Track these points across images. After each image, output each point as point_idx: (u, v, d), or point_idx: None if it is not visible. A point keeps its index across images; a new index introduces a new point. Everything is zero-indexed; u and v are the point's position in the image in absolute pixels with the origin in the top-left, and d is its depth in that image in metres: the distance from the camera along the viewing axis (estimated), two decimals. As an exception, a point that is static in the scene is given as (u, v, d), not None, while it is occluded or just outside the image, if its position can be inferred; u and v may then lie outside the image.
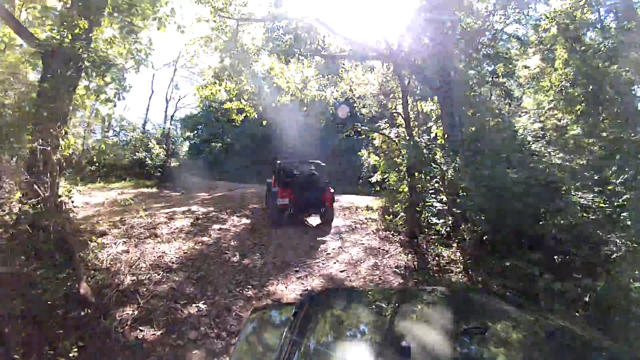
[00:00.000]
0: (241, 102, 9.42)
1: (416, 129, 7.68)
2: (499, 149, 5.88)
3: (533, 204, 5.01)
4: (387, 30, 7.46)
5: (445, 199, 6.31)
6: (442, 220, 6.18)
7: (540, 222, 4.80)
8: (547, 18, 8.86)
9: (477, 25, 7.83)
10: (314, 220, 8.31)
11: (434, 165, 6.30)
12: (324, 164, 8.78)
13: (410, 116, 7.32)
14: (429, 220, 6.40)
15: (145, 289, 4.02)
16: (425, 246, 6.18)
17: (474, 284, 4.79)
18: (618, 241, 4.19)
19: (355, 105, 11.77)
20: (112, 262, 4.59)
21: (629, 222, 4.29)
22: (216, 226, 7.20)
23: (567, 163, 5.58)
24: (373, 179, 8.70)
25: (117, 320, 3.30)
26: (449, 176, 5.93)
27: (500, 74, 8.50)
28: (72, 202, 4.24)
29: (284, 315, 1.85)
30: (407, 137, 6.85)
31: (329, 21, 8.44)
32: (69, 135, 5.32)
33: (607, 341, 1.55)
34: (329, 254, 6.04)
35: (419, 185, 6.76)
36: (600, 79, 7.26)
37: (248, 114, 9.62)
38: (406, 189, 6.97)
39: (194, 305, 3.83)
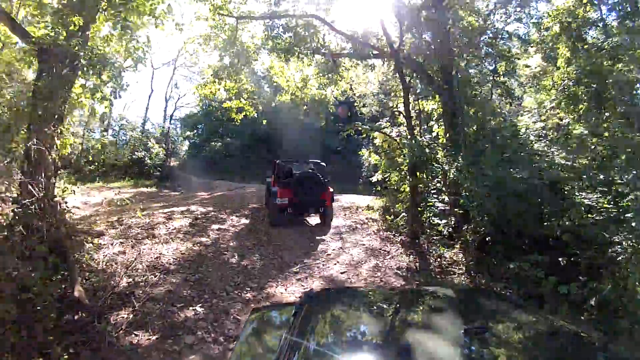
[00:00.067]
0: (241, 101, 9.34)
1: (418, 128, 7.59)
2: (502, 148, 5.81)
3: (537, 205, 4.94)
4: (388, 28, 7.37)
5: (447, 199, 6.23)
6: (444, 221, 6.10)
7: (545, 223, 4.73)
8: (550, 16, 8.78)
9: (478, 23, 7.75)
10: (314, 220, 8.25)
11: (436, 165, 6.21)
12: (324, 164, 8.71)
13: (412, 115, 7.23)
14: (431, 221, 6.33)
15: (141, 292, 3.93)
16: (427, 247, 6.10)
17: (477, 286, 4.71)
18: (624, 243, 4.12)
19: (355, 104, 11.69)
20: (108, 264, 4.50)
21: (633, 224, 4.20)
22: (215, 226, 7.12)
23: (570, 163, 5.49)
24: (374, 179, 8.62)
25: (112, 325, 3.21)
26: (451, 176, 5.85)
27: (501, 73, 8.42)
28: (66, 202, 4.14)
29: (283, 316, 1.85)
30: (409, 136, 6.76)
31: (329, 19, 8.37)
32: (65, 134, 5.24)
33: (608, 342, 1.55)
34: (329, 254, 5.96)
35: (421, 185, 6.69)
36: (604, 78, 7.17)
37: (248, 113, 9.55)
38: (407, 189, 6.89)
39: (190, 308, 3.74)
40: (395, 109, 8.82)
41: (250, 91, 9.68)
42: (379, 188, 8.54)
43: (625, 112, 7.19)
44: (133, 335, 3.12)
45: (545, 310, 3.74)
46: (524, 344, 1.33)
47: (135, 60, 6.82)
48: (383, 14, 7.40)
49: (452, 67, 6.94)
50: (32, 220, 3.88)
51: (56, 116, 4.85)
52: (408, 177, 6.79)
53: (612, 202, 4.44)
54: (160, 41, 15.17)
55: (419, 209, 6.49)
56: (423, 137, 7.34)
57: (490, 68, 8.72)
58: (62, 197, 4.15)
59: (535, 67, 10.91)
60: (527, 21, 9.06)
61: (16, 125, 4.71)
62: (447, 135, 6.97)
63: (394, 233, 7.12)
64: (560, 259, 4.38)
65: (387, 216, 7.86)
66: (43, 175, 4.55)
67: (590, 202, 4.60)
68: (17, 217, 3.91)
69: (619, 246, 4.12)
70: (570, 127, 7.56)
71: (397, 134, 7.65)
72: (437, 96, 7.35)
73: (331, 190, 7.90)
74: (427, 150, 6.29)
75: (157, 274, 4.51)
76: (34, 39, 4.75)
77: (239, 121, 9.76)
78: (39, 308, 2.96)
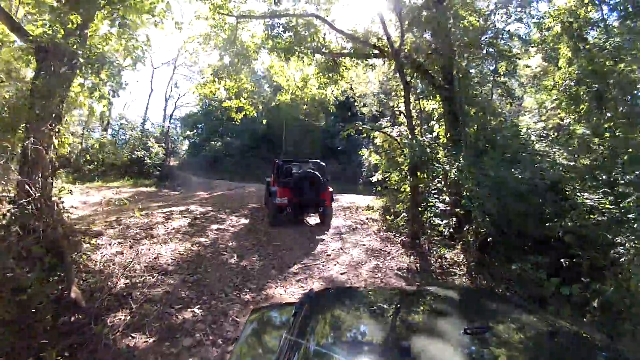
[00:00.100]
0: (240, 101, 9.31)
1: (418, 128, 7.55)
2: (503, 148, 5.77)
3: (538, 205, 4.90)
4: (389, 27, 7.33)
5: (448, 199, 6.19)
6: (445, 221, 6.06)
7: (546, 224, 4.69)
8: (551, 16, 8.75)
9: (479, 23, 7.71)
10: (314, 220, 8.21)
11: (437, 165, 6.17)
12: (323, 163, 8.69)
13: (413, 114, 7.19)
14: (432, 221, 6.28)
15: (138, 293, 3.88)
16: (427, 248, 6.06)
17: (478, 287, 4.66)
18: (626, 244, 4.08)
19: (355, 104, 11.65)
20: (105, 264, 4.45)
21: (635, 225, 4.16)
22: (214, 226, 7.07)
23: (572, 163, 5.45)
24: (374, 179, 8.58)
25: (109, 327, 3.16)
26: (452, 176, 5.80)
27: (502, 73, 8.39)
28: (62, 202, 4.09)
29: (283, 316, 1.87)
30: (410, 136, 6.72)
31: (330, 18, 8.34)
32: (63, 133, 5.20)
33: (609, 342, 1.56)
34: (329, 255, 5.91)
35: (421, 185, 6.64)
36: (606, 78, 7.13)
37: (247, 113, 9.52)
38: (408, 189, 6.85)
39: (189, 310, 3.69)
40: (396, 109, 8.78)
41: (250, 91, 9.66)
42: (379, 188, 8.50)
43: (627, 112, 7.15)
44: (130, 338, 3.08)
45: (547, 311, 3.70)
46: (522, 343, 1.33)
47: (134, 59, 6.78)
48: (384, 13, 7.36)
49: (453, 66, 6.90)
50: (28, 221, 3.84)
51: (54, 115, 4.81)
52: (408, 177, 6.74)
53: (614, 203, 4.40)
54: (160, 40, 15.21)
55: (420, 209, 6.45)
56: (424, 137, 7.30)
57: (491, 68, 8.69)
58: (58, 197, 4.10)
59: (536, 67, 10.89)
60: (527, 21, 9.03)
61: (14, 124, 4.66)
62: (448, 135, 6.93)
63: (394, 233, 7.07)
64: (562, 260, 4.34)
65: (387, 216, 7.82)
66: (40, 174, 4.51)
67: (592, 203, 4.56)
68: (13, 218, 3.87)
69: (621, 247, 4.09)
70: (571, 128, 7.53)
71: (398, 133, 7.62)
72: (437, 96, 7.31)
73: (330, 189, 7.88)
74: (428, 150, 6.25)
75: (155, 274, 4.46)
76: (31, 37, 4.71)
77: (238, 121, 9.73)
78: (34, 310, 2.92)
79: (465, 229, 5.56)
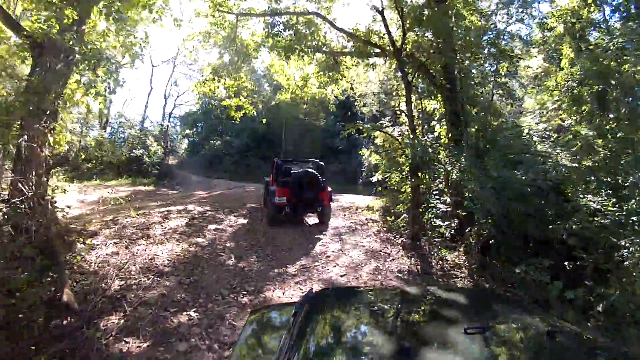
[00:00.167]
0: (240, 99, 9.22)
1: (419, 128, 7.47)
2: (505, 149, 5.70)
3: (541, 207, 4.83)
4: (390, 26, 7.25)
5: (449, 200, 6.12)
6: (446, 223, 5.99)
7: (549, 226, 4.62)
8: (554, 16, 8.69)
9: (480, 23, 7.65)
10: (313, 220, 8.13)
11: (438, 165, 6.09)
12: (322, 163, 8.62)
13: (414, 114, 7.11)
14: (433, 222, 6.20)
15: (133, 295, 3.79)
16: (428, 249, 5.98)
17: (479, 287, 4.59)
18: (630, 247, 4.01)
19: (356, 103, 11.57)
20: (100, 265, 4.36)
21: (639, 228, 4.09)
22: (212, 226, 6.99)
23: (575, 164, 5.38)
24: (374, 179, 8.50)
25: (102, 330, 3.06)
26: (454, 176, 5.73)
27: (503, 74, 8.33)
28: (55, 201, 4.00)
29: (283, 316, 1.88)
30: (411, 136, 6.64)
31: (331, 17, 8.26)
32: (60, 131, 5.10)
33: (609, 342, 1.51)
34: (329, 256, 5.83)
35: (423, 186, 6.57)
36: (609, 79, 7.07)
37: (247, 112, 9.44)
38: (409, 189, 6.77)
39: (184, 313, 3.60)
40: (397, 108, 8.71)
41: (250, 89, 9.58)
42: (379, 188, 8.42)
43: (629, 113, 7.09)
44: (123, 342, 2.98)
45: (550, 315, 3.63)
46: (522, 343, 1.33)
47: (133, 57, 6.69)
48: (385, 12, 7.28)
49: (455, 66, 6.82)
50: (21, 220, 3.75)
51: (49, 112, 4.72)
52: (409, 177, 6.66)
53: (617, 205, 4.33)
54: (159, 38, 15.10)
55: (421, 210, 6.36)
56: (425, 137, 7.22)
57: (492, 69, 8.64)
58: (51, 196, 4.01)
59: (537, 68, 10.83)
60: (528, 22, 8.99)
61: (8, 121, 4.57)
62: (450, 135, 6.85)
63: (394, 234, 7.00)
64: (565, 263, 4.27)
65: (387, 217, 7.74)
66: (34, 173, 4.42)
67: (595, 205, 4.49)
68: (6, 217, 3.78)
69: (625, 250, 4.02)
70: (573, 129, 7.47)
71: (399, 133, 7.54)
72: (439, 95, 7.24)
73: (329, 189, 7.82)
74: (429, 150, 6.17)
75: (150, 276, 4.37)
76: (25, 33, 4.62)
77: (238, 120, 9.66)
78: (25, 312, 2.83)
79: (467, 230, 5.49)
